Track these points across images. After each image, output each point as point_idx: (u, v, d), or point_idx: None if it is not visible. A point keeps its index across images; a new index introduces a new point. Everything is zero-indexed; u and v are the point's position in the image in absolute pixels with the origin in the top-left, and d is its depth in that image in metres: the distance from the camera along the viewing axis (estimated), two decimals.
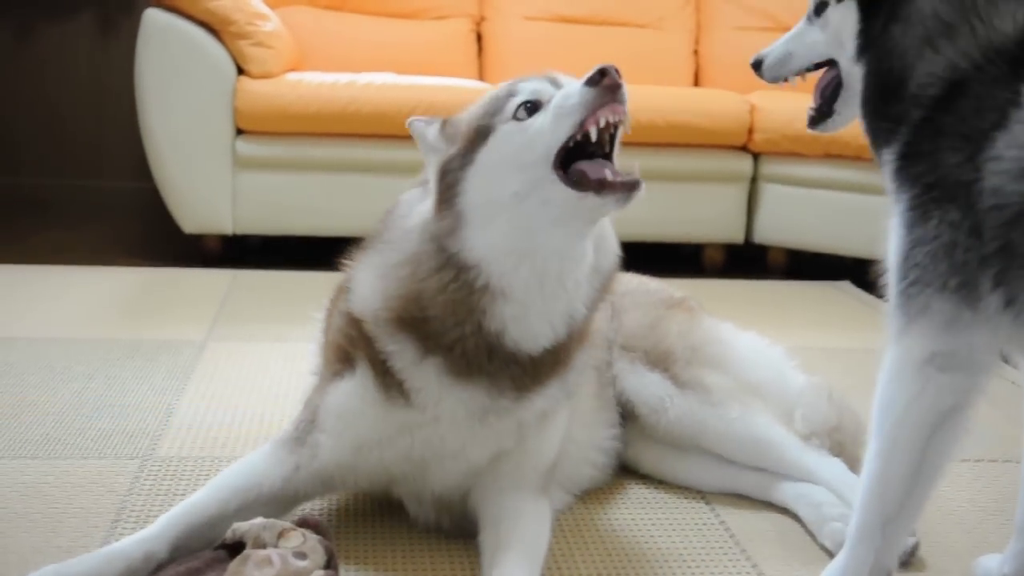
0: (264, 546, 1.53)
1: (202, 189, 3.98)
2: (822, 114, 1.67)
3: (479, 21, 4.89)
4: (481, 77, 4.70)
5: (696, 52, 4.99)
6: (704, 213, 4.27)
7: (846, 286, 4.13)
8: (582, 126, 1.55)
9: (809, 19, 1.66)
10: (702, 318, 2.19)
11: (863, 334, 3.38)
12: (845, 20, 1.55)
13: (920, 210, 1.41)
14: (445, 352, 1.62)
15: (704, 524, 1.93)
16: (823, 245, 4.28)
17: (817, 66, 1.67)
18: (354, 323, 1.70)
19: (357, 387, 1.69)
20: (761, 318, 2.49)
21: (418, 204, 1.68)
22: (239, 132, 3.98)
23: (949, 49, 1.41)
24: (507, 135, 1.60)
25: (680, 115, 4.13)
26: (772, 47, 1.71)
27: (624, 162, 1.62)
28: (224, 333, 3.05)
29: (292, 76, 4.07)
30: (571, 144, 1.56)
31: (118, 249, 4.27)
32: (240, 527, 1.57)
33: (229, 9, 3.91)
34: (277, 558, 1.49)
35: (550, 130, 1.57)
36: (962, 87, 1.39)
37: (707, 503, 2.01)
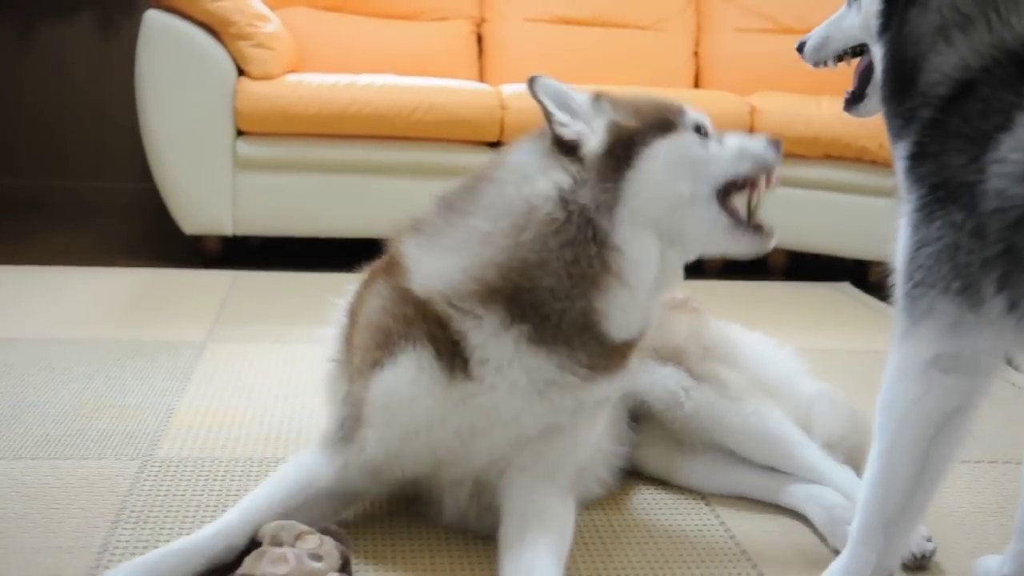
0: (281, 544, 1.54)
1: (202, 190, 3.98)
2: (855, 97, 1.66)
3: (479, 23, 4.89)
4: (481, 78, 4.71)
5: (696, 54, 5.00)
6: None
7: (846, 287, 4.13)
8: (752, 175, 1.71)
9: (849, 3, 1.64)
10: (708, 319, 2.19)
11: (863, 336, 3.38)
12: (873, 1, 1.54)
13: (925, 211, 1.40)
14: (539, 319, 1.61)
15: (706, 526, 1.93)
16: (823, 246, 4.29)
17: (855, 52, 1.66)
18: (412, 302, 1.66)
19: (409, 371, 1.64)
20: (761, 319, 2.49)
21: (535, 171, 1.65)
22: (239, 133, 3.98)
23: (962, 44, 1.39)
24: (689, 141, 1.69)
25: None
26: (815, 31, 1.71)
27: None
28: (224, 334, 3.05)
29: (292, 77, 4.07)
30: (736, 183, 1.71)
31: (118, 250, 4.27)
32: None
33: (229, 10, 3.92)
34: (292, 556, 1.50)
35: (731, 159, 1.71)
36: (970, 88, 1.38)
37: (708, 505, 2.01)
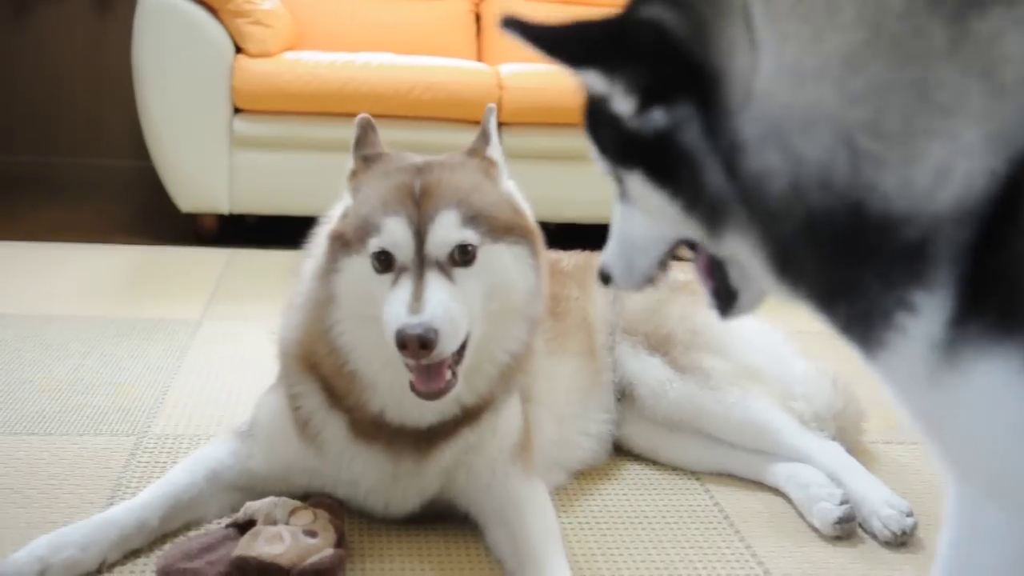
0: (275, 523, 1.55)
1: (199, 168, 3.97)
2: (729, 297, 1.16)
3: (478, 1, 4.87)
4: (480, 58, 4.69)
5: None
6: None
7: None
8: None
9: (619, 200, 1.09)
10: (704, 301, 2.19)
11: None
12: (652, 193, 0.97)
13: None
14: (347, 411, 1.64)
15: (697, 504, 1.94)
16: None
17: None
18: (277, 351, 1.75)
19: (281, 403, 1.71)
20: None
21: (316, 248, 1.69)
22: (236, 111, 3.97)
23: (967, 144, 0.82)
24: (361, 274, 1.55)
25: None
26: (604, 256, 1.15)
27: None
28: (220, 312, 3.05)
29: (290, 55, 4.05)
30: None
31: (114, 227, 4.26)
32: (252, 505, 1.59)
33: None
34: (288, 535, 1.51)
35: (388, 327, 1.46)
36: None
37: (700, 483, 2.02)
